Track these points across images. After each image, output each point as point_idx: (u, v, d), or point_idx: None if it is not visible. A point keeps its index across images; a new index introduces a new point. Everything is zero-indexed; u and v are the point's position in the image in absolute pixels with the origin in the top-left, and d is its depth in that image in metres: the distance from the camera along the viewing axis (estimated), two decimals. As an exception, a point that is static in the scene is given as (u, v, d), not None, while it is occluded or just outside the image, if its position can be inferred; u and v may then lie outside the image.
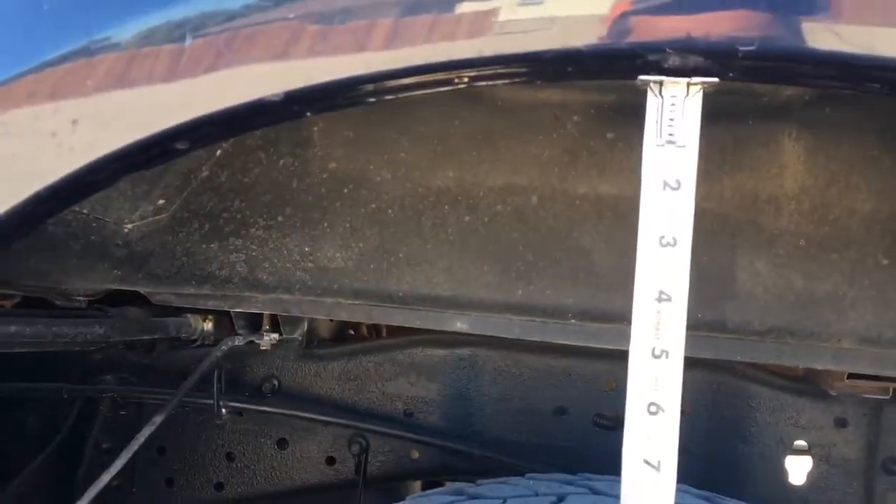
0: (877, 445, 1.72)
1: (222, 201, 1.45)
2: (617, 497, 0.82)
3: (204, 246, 1.47)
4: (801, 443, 1.74)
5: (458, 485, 1.25)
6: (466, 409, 1.87)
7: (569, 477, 1.21)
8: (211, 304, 1.58)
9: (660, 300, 0.78)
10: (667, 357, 0.77)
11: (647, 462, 0.77)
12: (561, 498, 1.08)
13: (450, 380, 1.88)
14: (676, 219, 0.77)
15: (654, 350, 0.78)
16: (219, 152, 1.39)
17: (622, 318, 1.44)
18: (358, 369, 1.91)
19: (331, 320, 2.01)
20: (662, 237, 0.78)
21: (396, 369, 1.90)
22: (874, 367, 1.40)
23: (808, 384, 1.77)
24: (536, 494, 1.10)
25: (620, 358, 1.87)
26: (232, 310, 1.60)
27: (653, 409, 0.77)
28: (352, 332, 2.08)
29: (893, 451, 1.73)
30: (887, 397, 1.68)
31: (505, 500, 1.11)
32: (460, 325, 1.55)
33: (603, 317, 1.48)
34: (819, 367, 1.42)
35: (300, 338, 1.86)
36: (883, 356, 1.40)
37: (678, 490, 1.25)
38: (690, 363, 1.83)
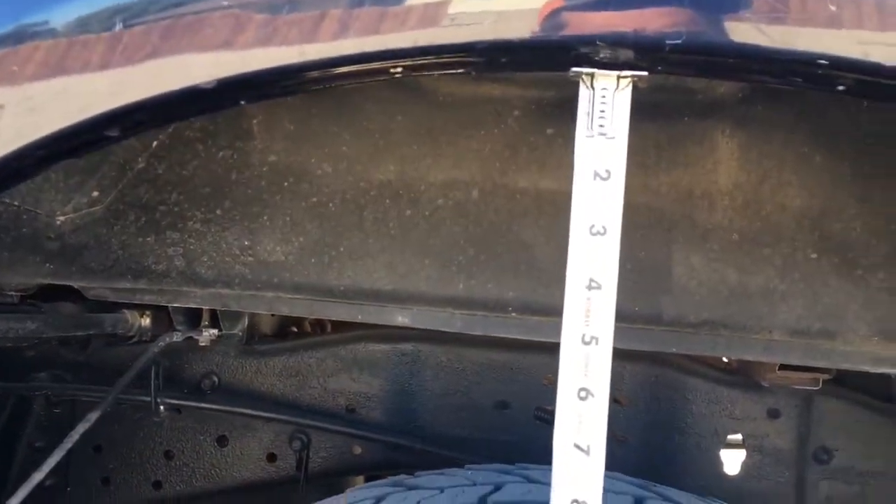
0: (808, 435, 1.77)
1: (159, 194, 1.43)
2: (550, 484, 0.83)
3: (140, 239, 1.44)
4: (735, 436, 1.78)
5: (396, 477, 1.25)
6: (409, 404, 1.87)
7: (506, 467, 1.22)
8: (148, 299, 1.56)
9: (590, 287, 0.79)
10: (596, 343, 0.78)
11: (577, 446, 0.78)
12: (497, 486, 1.09)
13: (392, 375, 1.88)
14: (606, 208, 0.78)
15: (584, 336, 0.79)
16: (155, 143, 1.37)
17: (558, 311, 1.46)
18: (299, 365, 1.89)
19: (272, 315, 2.00)
20: (593, 226, 0.79)
21: (338, 365, 1.89)
22: (804, 358, 1.43)
23: (742, 377, 1.81)
24: (474, 484, 1.10)
25: (557, 351, 1.92)
26: (170, 305, 1.57)
27: (583, 394, 0.79)
28: (294, 329, 2.06)
29: (824, 441, 1.77)
30: (817, 388, 1.73)
31: (442, 490, 1.11)
32: (402, 319, 1.54)
33: (543, 310, 1.50)
34: (751, 358, 1.45)
35: (240, 333, 1.84)
36: (812, 347, 1.43)
37: (612, 478, 1.27)
38: (629, 356, 1.89)
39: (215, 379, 1.89)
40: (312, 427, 1.87)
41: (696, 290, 1.44)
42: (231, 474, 1.90)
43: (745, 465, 1.79)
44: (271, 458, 1.91)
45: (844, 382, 1.83)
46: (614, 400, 1.86)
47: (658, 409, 1.81)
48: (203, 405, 1.84)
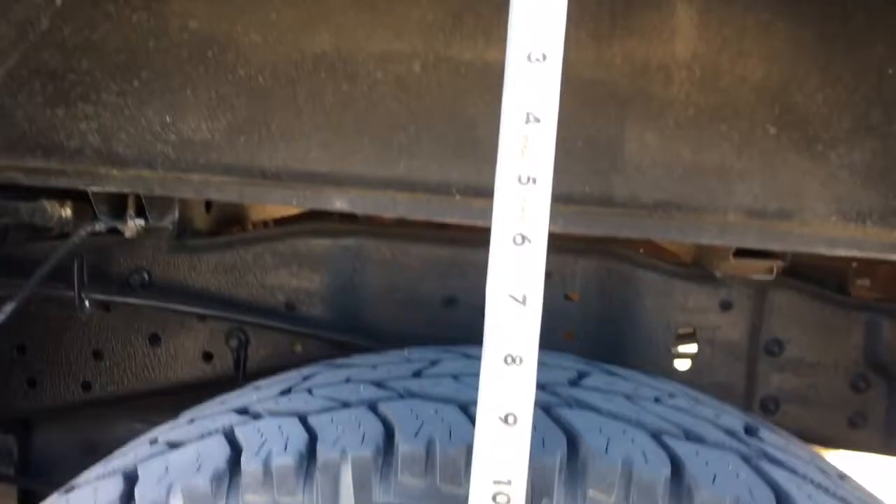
0: (760, 327, 1.73)
1: (68, 60, 1.30)
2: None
3: (49, 111, 1.32)
4: (687, 329, 1.73)
5: (330, 360, 1.18)
6: (352, 300, 1.79)
7: (445, 347, 1.15)
8: (63, 182, 1.44)
9: (528, 121, 0.71)
10: (534, 183, 0.70)
11: (512, 297, 0.71)
12: (434, 362, 1.02)
13: (334, 270, 1.79)
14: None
15: (520, 177, 0.71)
16: (59, 1, 1.24)
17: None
18: (235, 260, 1.79)
19: (207, 213, 1.89)
20: (530, 54, 0.70)
21: (277, 260, 1.79)
22: (759, 240, 1.38)
23: (694, 269, 1.76)
24: (409, 360, 1.04)
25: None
26: (88, 188, 1.45)
27: (518, 239, 0.71)
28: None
29: (776, 333, 1.74)
30: (771, 278, 1.69)
31: (375, 367, 1.04)
32: (339, 203, 1.45)
33: (489, 192, 1.41)
34: (705, 241, 1.39)
35: (170, 227, 1.73)
36: (768, 229, 1.37)
37: (560, 357, 1.22)
38: (581, 252, 1.83)
39: (145, 275, 1.79)
40: (250, 324, 1.78)
41: (650, 170, 1.37)
42: (164, 374, 1.81)
43: (696, 359, 1.75)
44: (207, 357, 1.82)
45: (798, 275, 1.79)
46: (565, 296, 1.80)
47: (610, 303, 1.75)
48: (132, 300, 1.74)
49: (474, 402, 0.81)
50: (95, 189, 1.48)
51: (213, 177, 1.42)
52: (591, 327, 1.73)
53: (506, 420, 0.71)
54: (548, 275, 1.80)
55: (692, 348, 1.75)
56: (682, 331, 1.74)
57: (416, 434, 0.84)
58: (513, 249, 0.73)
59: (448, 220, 1.45)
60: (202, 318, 1.80)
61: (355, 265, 1.79)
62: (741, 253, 1.58)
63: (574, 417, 0.88)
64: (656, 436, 0.88)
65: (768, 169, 1.36)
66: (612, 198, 1.40)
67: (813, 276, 1.79)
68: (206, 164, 1.41)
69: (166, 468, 0.89)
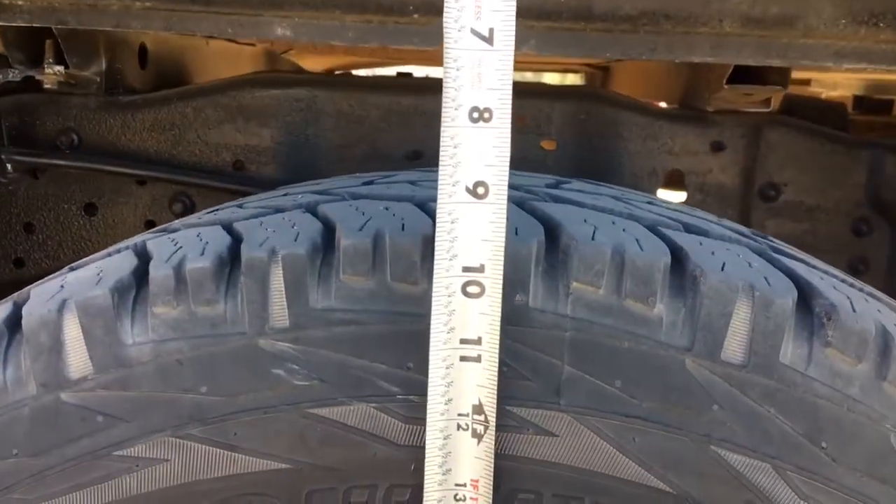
0: (754, 170, 1.58)
1: None
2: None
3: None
4: (675, 173, 1.58)
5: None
6: (306, 157, 1.61)
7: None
8: (-41, 17, 1.24)
9: None
10: None
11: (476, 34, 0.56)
12: (389, 175, 0.86)
13: (285, 125, 1.61)
14: None
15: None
16: None
17: (473, 10, 1.21)
18: (174, 117, 1.61)
19: (142, 67, 1.69)
20: None
21: (221, 114, 1.61)
22: (758, 55, 1.21)
23: (683, 107, 1.60)
24: (361, 176, 0.88)
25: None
26: (-10, 25, 1.26)
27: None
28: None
29: (771, 176, 1.59)
30: (768, 110, 1.53)
31: (319, 183, 0.89)
32: (281, 30, 1.26)
33: (451, 8, 1.23)
34: (696, 59, 1.22)
35: (97, 79, 1.54)
36: (767, 41, 1.21)
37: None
38: (556, 94, 1.66)
39: (74, 137, 1.60)
40: (195, 186, 1.61)
41: (633, -28, 1.19)
42: (103, 246, 1.62)
43: (686, 205, 1.61)
44: (150, 225, 1.65)
45: (794, 114, 1.64)
46: (540, 147, 1.64)
47: (590, 149, 1.59)
48: (59, 161, 1.55)
49: (432, 200, 0.66)
50: (0, 23, 1.28)
51: (133, 2, 1.23)
52: (570, 175, 1.57)
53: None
54: (520, 120, 1.63)
55: (681, 195, 1.60)
56: (669, 174, 1.59)
57: (361, 229, 0.69)
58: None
59: (405, 45, 1.27)
60: (141, 182, 1.62)
61: (308, 118, 1.61)
62: (735, 80, 1.42)
63: (553, 210, 0.73)
64: (652, 228, 0.74)
65: (768, -36, 1.18)
66: (592, 9, 1.22)
67: (810, 113, 1.64)
68: (124, -14, 1.21)
69: (61, 286, 0.73)
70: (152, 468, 0.67)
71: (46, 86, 1.49)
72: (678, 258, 0.69)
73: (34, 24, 1.30)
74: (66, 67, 1.47)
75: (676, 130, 1.59)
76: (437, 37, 1.25)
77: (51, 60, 1.46)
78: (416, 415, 0.67)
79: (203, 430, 0.67)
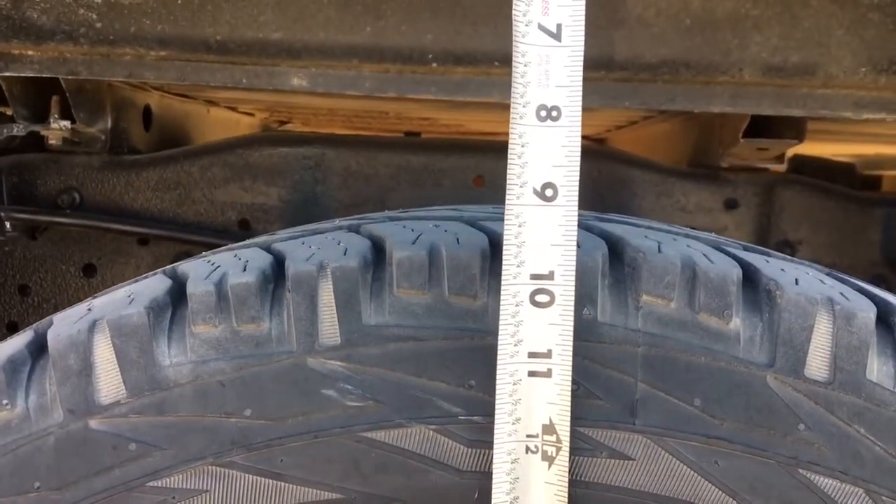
0: (769, 227, 1.57)
1: None
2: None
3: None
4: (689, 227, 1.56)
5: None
6: (313, 215, 1.58)
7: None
8: (-32, 70, 1.22)
9: None
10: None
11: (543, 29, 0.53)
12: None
13: (292, 183, 1.58)
14: None
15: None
16: None
17: (489, 58, 1.21)
18: (179, 176, 1.57)
19: (146, 129, 1.67)
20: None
21: (227, 173, 1.58)
22: (778, 105, 1.21)
23: (696, 164, 1.60)
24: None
25: (485, 150, 1.66)
26: (-1, 75, 1.24)
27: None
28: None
29: (786, 234, 1.58)
30: (783, 167, 1.53)
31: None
32: (297, 80, 1.26)
33: (468, 58, 1.24)
34: (716, 109, 1.22)
35: (103, 137, 1.51)
36: (787, 91, 1.21)
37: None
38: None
39: (76, 195, 1.56)
40: (198, 244, 1.56)
41: (655, 22, 1.20)
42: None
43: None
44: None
45: (804, 172, 1.64)
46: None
47: (603, 206, 1.58)
48: (62, 220, 1.51)
49: (482, 219, 0.62)
50: (8, 74, 1.26)
51: (146, 51, 1.22)
52: (582, 235, 1.54)
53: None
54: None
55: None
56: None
57: (415, 242, 0.65)
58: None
59: (423, 95, 1.26)
60: (143, 241, 1.58)
61: (316, 176, 1.59)
62: (751, 134, 1.42)
63: (610, 227, 0.70)
64: (715, 245, 0.70)
65: (788, 15, 1.20)
66: (613, 58, 1.22)
67: (819, 173, 1.64)
68: (137, 34, 1.20)
69: (88, 308, 0.68)
70: (191, 500, 0.61)
71: (51, 142, 1.46)
72: (748, 273, 0.66)
73: (44, 75, 1.27)
74: (73, 123, 1.44)
75: (689, 188, 1.58)
76: (454, 87, 1.25)
77: (56, 116, 1.43)
78: (481, 437, 0.62)
79: (247, 457, 0.61)
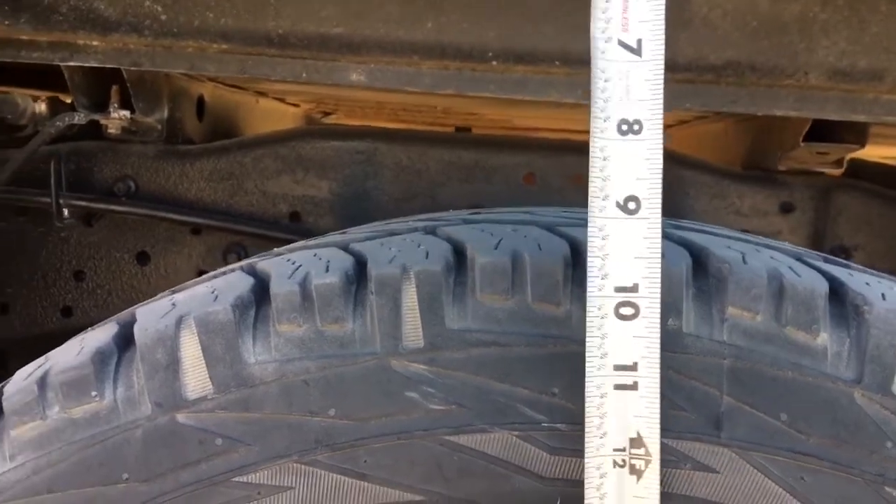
0: (824, 232, 1.55)
1: None
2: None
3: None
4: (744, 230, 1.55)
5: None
6: (364, 209, 1.59)
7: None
8: (35, 56, 1.24)
9: None
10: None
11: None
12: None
13: (343, 176, 1.59)
14: None
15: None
16: None
17: (551, 57, 1.21)
18: (232, 167, 1.58)
19: (199, 119, 1.69)
20: None
21: (279, 165, 1.59)
22: (843, 110, 1.20)
23: (752, 166, 1.58)
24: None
25: (537, 148, 1.66)
26: (63, 63, 1.25)
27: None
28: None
29: (842, 240, 1.56)
30: (839, 171, 1.51)
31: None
32: (356, 76, 1.26)
33: (530, 56, 1.23)
34: (780, 112, 1.21)
35: (159, 126, 1.52)
36: (853, 95, 1.19)
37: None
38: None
39: (131, 184, 1.57)
40: (250, 236, 1.57)
41: (720, 24, 1.19)
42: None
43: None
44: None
45: (861, 177, 1.61)
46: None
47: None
48: (117, 208, 1.53)
49: (560, 225, 0.62)
50: (73, 63, 1.28)
51: (208, 44, 1.22)
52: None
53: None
54: (581, 179, 1.61)
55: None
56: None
57: (497, 247, 0.65)
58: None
59: (482, 93, 1.26)
60: (196, 231, 1.59)
61: (367, 170, 1.59)
62: (810, 138, 1.40)
63: (690, 235, 0.70)
64: (798, 257, 0.70)
65: (856, 19, 1.18)
66: (676, 59, 1.21)
67: (877, 179, 1.62)
68: (200, 28, 1.21)
69: (172, 304, 0.69)
70: (275, 496, 0.62)
71: (109, 131, 1.48)
72: (833, 286, 0.65)
73: (107, 66, 1.29)
74: (132, 112, 1.46)
75: (744, 190, 1.56)
76: (514, 86, 1.25)
77: (116, 105, 1.45)
78: (563, 445, 0.62)
79: (331, 456, 0.62)
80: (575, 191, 1.64)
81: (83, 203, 1.52)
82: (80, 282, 1.61)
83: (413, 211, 1.61)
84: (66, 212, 1.50)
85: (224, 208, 1.59)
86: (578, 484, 0.60)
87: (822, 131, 1.37)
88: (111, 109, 1.44)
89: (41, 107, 1.49)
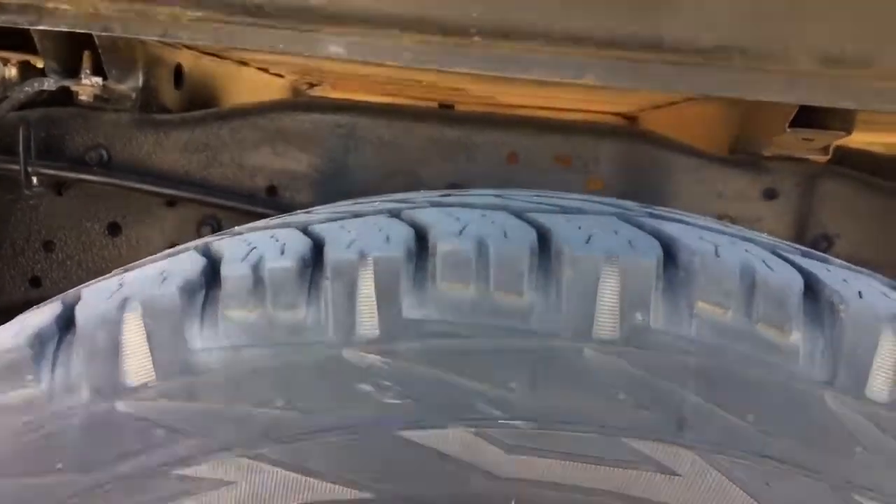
0: (808, 219, 1.52)
1: None
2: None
3: None
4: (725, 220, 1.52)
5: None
6: (343, 184, 1.55)
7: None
8: (3, 20, 1.20)
9: None
10: None
11: None
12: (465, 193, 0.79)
13: (324, 150, 1.55)
14: None
15: None
16: None
17: (534, 34, 1.17)
18: (209, 137, 1.54)
19: (176, 88, 1.64)
20: None
21: (257, 137, 1.54)
22: (831, 96, 1.17)
23: (737, 151, 1.55)
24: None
25: (521, 126, 1.62)
26: (32, 27, 1.21)
27: None
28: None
29: (825, 227, 1.53)
30: (826, 158, 1.48)
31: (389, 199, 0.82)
32: (335, 48, 1.22)
33: (514, 32, 1.20)
34: (766, 98, 1.17)
35: (133, 95, 1.48)
36: (842, 82, 1.16)
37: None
38: (603, 133, 1.61)
39: (103, 152, 1.53)
40: (225, 209, 1.54)
41: (710, 5, 1.15)
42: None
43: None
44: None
45: (847, 164, 1.59)
46: (586, 186, 1.59)
47: (638, 191, 1.53)
48: (88, 177, 1.48)
49: (530, 210, 0.59)
50: (42, 27, 1.23)
51: (184, 11, 1.18)
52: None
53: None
54: (565, 159, 1.58)
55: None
56: (719, 219, 1.53)
57: (461, 233, 0.62)
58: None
59: (464, 68, 1.22)
60: (170, 203, 1.55)
61: (348, 145, 1.55)
62: (796, 124, 1.37)
63: (663, 224, 0.67)
64: (773, 250, 0.67)
65: (847, 3, 1.15)
66: (663, 40, 1.17)
67: (863, 166, 1.59)
68: (174, -5, 1.16)
69: (120, 284, 0.66)
70: (217, 492, 0.59)
71: (81, 97, 1.43)
72: (809, 282, 0.62)
73: (78, 30, 1.25)
74: (104, 79, 1.41)
75: (728, 175, 1.53)
76: (498, 62, 1.21)
77: (88, 72, 1.41)
78: (521, 443, 0.59)
79: (277, 450, 0.59)
80: (559, 172, 1.61)
81: (53, 171, 1.47)
82: (49, 252, 1.57)
83: (393, 188, 1.57)
84: (35, 180, 1.46)
85: (199, 180, 1.55)
86: (537, 484, 0.58)
87: (808, 117, 1.34)
88: (83, 76, 1.40)
89: (11, 71, 1.44)
